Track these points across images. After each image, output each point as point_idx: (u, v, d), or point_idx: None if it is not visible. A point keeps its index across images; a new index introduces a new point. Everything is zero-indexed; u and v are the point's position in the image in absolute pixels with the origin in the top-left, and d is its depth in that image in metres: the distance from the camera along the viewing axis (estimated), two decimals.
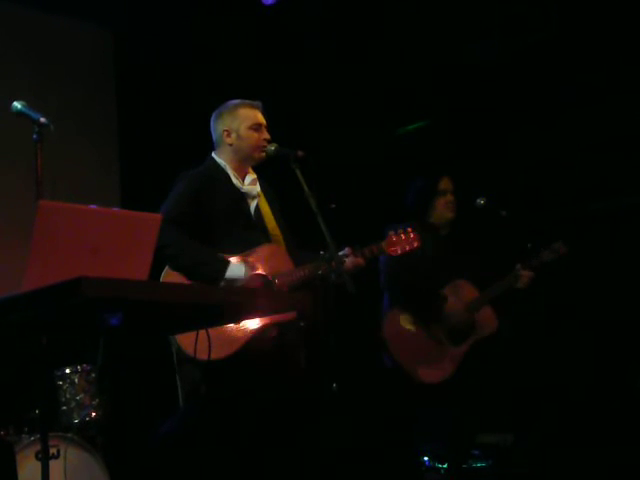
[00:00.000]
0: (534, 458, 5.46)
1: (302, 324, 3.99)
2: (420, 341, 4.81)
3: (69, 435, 4.25)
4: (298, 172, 3.85)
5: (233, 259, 3.87)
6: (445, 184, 5.04)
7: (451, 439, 4.99)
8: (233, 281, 3.81)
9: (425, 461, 5.35)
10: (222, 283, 3.79)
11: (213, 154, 4.17)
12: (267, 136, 4.10)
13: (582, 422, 5.61)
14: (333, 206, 4.19)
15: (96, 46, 6.42)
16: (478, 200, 5.05)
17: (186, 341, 3.64)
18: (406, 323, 4.82)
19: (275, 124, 4.19)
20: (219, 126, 4.15)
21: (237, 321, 3.67)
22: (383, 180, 6.40)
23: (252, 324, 3.80)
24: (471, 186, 5.59)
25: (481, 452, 5.49)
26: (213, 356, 3.52)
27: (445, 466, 5.25)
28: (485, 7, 6.10)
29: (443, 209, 5.02)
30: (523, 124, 6.34)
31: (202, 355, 3.09)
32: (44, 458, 2.54)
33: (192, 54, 6.35)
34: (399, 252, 4.20)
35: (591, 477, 5.12)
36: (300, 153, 3.90)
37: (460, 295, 4.89)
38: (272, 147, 4.05)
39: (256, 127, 4.09)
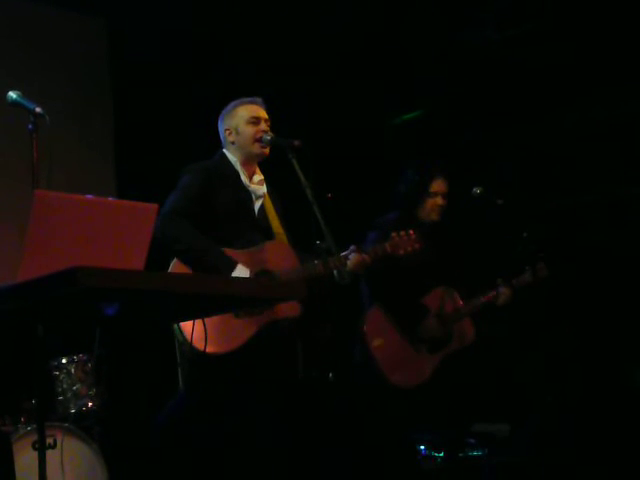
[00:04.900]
0: (530, 447, 5.48)
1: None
2: (398, 344, 4.74)
3: (66, 425, 4.25)
4: (295, 162, 3.86)
5: (240, 262, 3.85)
6: (438, 186, 4.92)
7: (447, 428, 4.99)
8: None
9: (422, 450, 5.37)
10: None
11: (224, 150, 4.18)
12: (264, 128, 4.09)
13: (578, 413, 5.63)
14: (330, 196, 4.19)
15: (91, 36, 6.40)
16: (474, 189, 5.03)
17: (190, 332, 3.63)
18: (387, 323, 4.78)
19: (272, 114, 4.18)
20: (222, 127, 4.19)
21: (234, 311, 3.67)
22: (380, 169, 6.40)
23: (257, 320, 3.80)
24: (467, 175, 5.60)
25: (477, 441, 5.50)
26: (216, 350, 3.58)
27: (441, 455, 5.27)
28: None
29: (430, 211, 4.91)
30: (519, 113, 6.35)
31: (207, 347, 3.15)
32: (41, 448, 2.54)
33: (189, 45, 6.33)
34: (402, 253, 4.20)
35: (586, 467, 5.14)
36: (297, 143, 3.89)
37: (441, 303, 4.85)
38: (268, 136, 4.05)
39: (253, 121, 4.09)
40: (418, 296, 4.83)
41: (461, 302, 4.90)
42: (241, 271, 3.81)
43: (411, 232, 4.26)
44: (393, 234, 4.22)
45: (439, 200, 4.93)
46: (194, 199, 3.92)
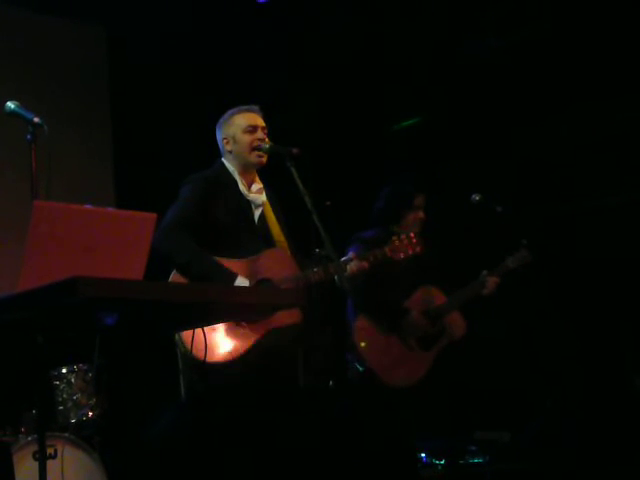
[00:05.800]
0: (531, 453, 5.47)
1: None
2: (391, 346, 4.78)
3: (66, 435, 4.24)
4: (293, 170, 3.85)
5: (240, 275, 3.84)
6: (420, 201, 5.02)
7: (448, 435, 5.00)
8: None
9: (422, 457, 5.36)
10: None
11: (222, 159, 4.17)
12: (261, 136, 4.08)
13: (578, 419, 5.62)
14: (328, 203, 4.19)
15: (90, 45, 6.40)
16: (473, 196, 5.07)
17: (191, 341, 3.63)
18: (376, 329, 4.80)
19: (270, 123, 4.18)
20: (220, 135, 4.17)
21: (234, 320, 3.67)
22: (378, 177, 6.39)
23: (258, 329, 3.79)
24: (466, 182, 5.60)
25: (478, 448, 5.50)
26: (218, 359, 3.58)
27: (442, 462, 5.27)
28: (480, 3, 6.11)
29: (412, 224, 4.98)
30: (518, 121, 6.36)
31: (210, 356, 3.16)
32: (41, 458, 2.54)
33: (189, 53, 6.34)
34: (402, 257, 4.21)
35: (586, 473, 5.14)
36: (295, 151, 3.89)
37: (426, 301, 4.90)
38: (267, 145, 4.04)
39: (250, 129, 4.07)
40: (402, 296, 4.85)
41: (444, 298, 4.94)
42: (241, 283, 3.81)
43: (412, 235, 4.27)
44: (394, 237, 4.23)
45: (421, 214, 5.02)
46: (195, 210, 3.91)
